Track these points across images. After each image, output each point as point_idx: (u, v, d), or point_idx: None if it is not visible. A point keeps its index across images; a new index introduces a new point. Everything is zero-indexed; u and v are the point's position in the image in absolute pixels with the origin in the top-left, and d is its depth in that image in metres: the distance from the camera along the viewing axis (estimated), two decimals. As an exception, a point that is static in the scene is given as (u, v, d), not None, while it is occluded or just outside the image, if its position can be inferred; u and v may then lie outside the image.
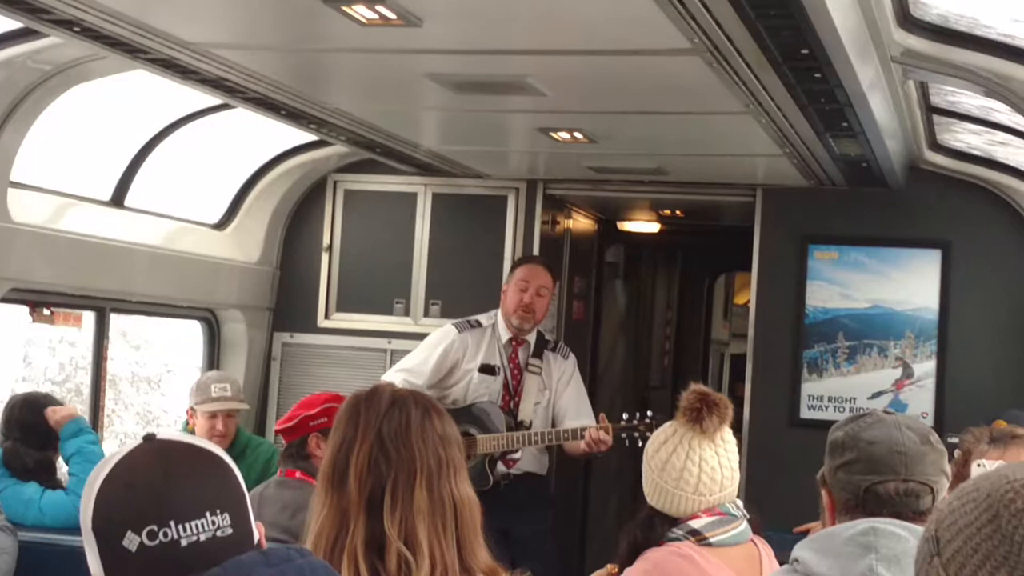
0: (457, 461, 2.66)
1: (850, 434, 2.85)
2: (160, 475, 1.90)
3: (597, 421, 6.43)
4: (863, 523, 2.70)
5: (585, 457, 7.25)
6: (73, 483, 5.66)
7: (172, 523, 1.85)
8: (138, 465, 1.91)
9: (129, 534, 1.84)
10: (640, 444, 6.07)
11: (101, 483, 1.89)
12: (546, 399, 6.76)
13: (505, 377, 6.73)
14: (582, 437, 6.35)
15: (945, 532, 1.53)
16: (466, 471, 2.70)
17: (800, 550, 2.77)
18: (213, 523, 1.88)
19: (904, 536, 2.66)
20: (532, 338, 6.80)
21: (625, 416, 6.42)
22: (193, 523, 1.86)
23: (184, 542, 1.85)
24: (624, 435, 6.38)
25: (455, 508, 2.60)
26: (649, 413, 6.38)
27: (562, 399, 6.77)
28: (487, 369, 6.70)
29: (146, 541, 1.83)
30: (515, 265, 6.96)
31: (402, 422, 2.64)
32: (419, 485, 2.57)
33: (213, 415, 6.37)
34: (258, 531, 1.96)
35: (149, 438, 1.95)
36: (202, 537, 1.86)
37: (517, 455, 6.63)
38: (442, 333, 6.85)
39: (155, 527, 1.84)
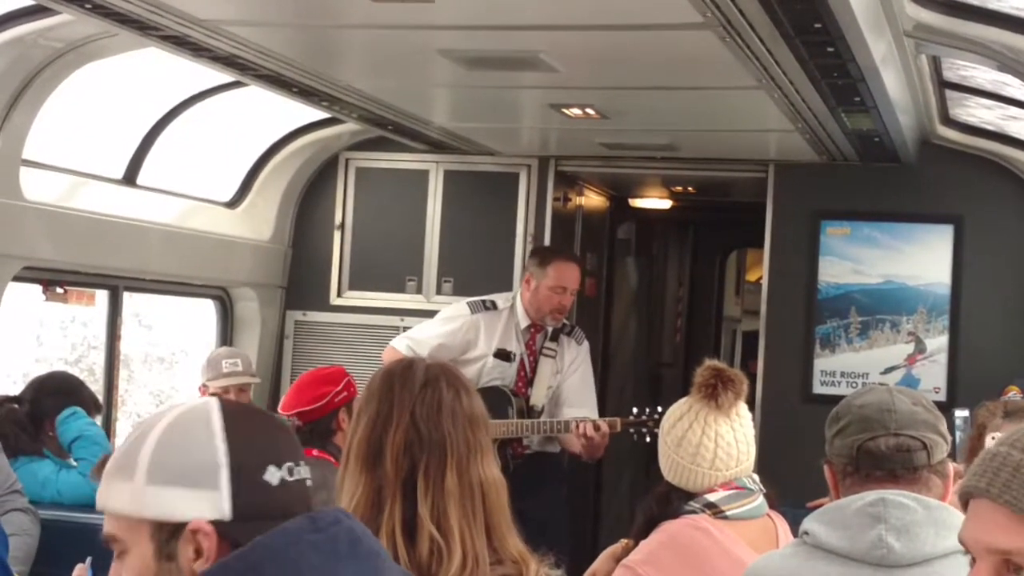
0: (484, 443, 2.62)
1: (843, 404, 2.91)
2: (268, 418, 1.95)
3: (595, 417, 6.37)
4: (872, 494, 2.70)
5: (579, 457, 6.63)
6: (84, 467, 5.67)
7: (301, 462, 1.88)
8: (234, 409, 1.90)
9: (271, 468, 1.83)
10: (648, 440, 6.07)
11: (223, 420, 1.85)
12: (557, 383, 6.71)
13: (522, 362, 6.66)
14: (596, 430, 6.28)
15: None
16: (492, 452, 2.66)
17: (809, 523, 2.78)
18: (306, 471, 1.90)
19: (913, 507, 2.67)
20: (550, 323, 6.77)
21: (635, 411, 6.38)
22: (303, 466, 1.89)
23: (308, 482, 1.88)
24: (632, 430, 6.34)
25: (483, 492, 2.56)
26: (659, 408, 6.35)
27: (566, 383, 6.69)
28: (502, 355, 6.62)
29: (286, 476, 1.84)
30: (543, 257, 6.70)
31: (434, 404, 2.59)
32: (450, 469, 2.53)
33: (225, 390, 6.39)
34: None
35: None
36: (308, 482, 1.89)
37: (529, 441, 6.60)
38: (455, 311, 6.79)
39: (292, 464, 1.86)
